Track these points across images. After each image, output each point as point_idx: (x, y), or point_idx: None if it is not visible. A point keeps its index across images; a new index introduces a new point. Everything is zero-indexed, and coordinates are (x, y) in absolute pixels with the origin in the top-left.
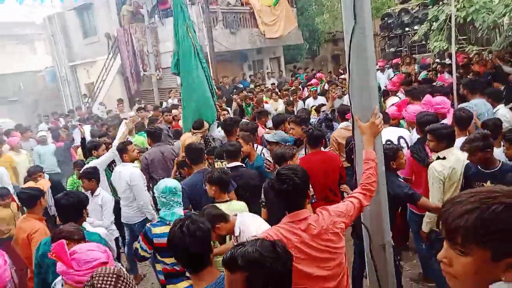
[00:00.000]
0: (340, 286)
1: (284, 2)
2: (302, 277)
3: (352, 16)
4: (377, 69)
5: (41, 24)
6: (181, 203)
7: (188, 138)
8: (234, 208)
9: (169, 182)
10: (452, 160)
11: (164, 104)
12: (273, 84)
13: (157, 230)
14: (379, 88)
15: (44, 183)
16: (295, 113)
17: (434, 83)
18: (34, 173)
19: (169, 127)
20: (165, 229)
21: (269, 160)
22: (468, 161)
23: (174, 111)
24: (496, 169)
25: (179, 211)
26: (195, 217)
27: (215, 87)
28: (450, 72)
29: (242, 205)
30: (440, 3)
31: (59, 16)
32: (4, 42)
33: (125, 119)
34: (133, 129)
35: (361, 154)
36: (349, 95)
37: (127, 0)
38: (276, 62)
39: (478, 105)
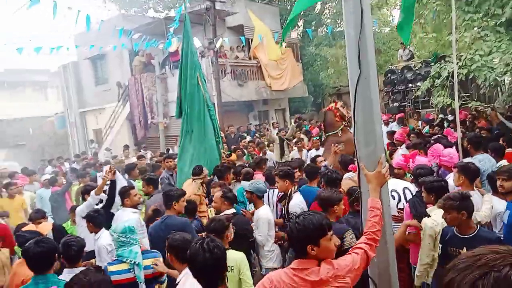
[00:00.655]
0: None
1: (290, 57)
2: None
3: (357, 65)
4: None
5: (56, 72)
6: (138, 240)
7: (188, 185)
8: (229, 257)
9: (127, 222)
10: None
11: (171, 151)
12: (277, 133)
13: (113, 268)
14: None
15: (44, 227)
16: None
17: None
18: (35, 218)
19: (171, 174)
20: (122, 266)
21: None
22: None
23: None
24: (472, 234)
25: (136, 248)
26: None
27: (222, 135)
28: (454, 128)
29: (239, 255)
30: (442, 61)
31: (74, 65)
32: (18, 88)
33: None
34: (138, 174)
35: (366, 203)
36: (354, 143)
37: (140, 51)
38: (281, 113)
39: (483, 161)
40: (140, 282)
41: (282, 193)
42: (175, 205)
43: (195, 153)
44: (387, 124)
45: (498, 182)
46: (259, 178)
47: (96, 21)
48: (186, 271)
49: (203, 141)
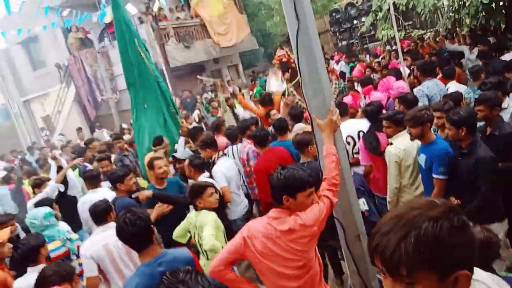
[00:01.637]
0: (305, 286)
1: (233, 10)
2: (267, 270)
3: (294, 17)
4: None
5: None
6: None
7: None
8: (201, 217)
9: (44, 209)
10: (406, 143)
11: (125, 126)
12: (234, 89)
13: (51, 246)
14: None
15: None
16: None
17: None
18: (2, 222)
19: (125, 155)
20: (56, 244)
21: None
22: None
23: (126, 136)
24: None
25: (62, 226)
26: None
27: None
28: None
29: (205, 216)
30: None
31: (5, 52)
32: None
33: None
34: (90, 157)
35: (322, 150)
36: (303, 94)
37: (73, 27)
38: (234, 69)
39: (430, 87)
40: (74, 253)
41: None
42: (120, 186)
43: (153, 127)
44: (338, 62)
45: (407, 129)
46: (221, 141)
47: (16, 2)
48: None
49: (159, 113)
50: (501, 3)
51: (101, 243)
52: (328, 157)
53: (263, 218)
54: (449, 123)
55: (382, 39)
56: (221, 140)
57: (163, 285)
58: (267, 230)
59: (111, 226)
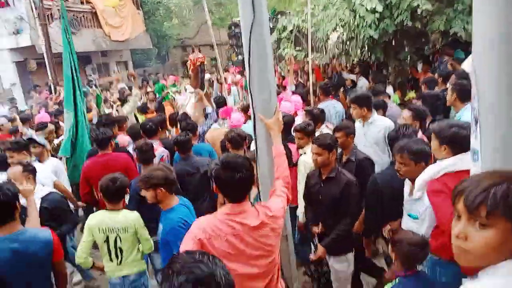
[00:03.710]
0: (270, 285)
1: (130, 4)
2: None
3: (251, 8)
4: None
5: None
6: None
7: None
8: (123, 218)
9: None
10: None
11: None
12: (122, 88)
13: None
14: None
15: None
16: None
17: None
18: None
19: None
20: None
21: None
22: None
23: None
24: None
25: None
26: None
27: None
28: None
29: (133, 215)
30: (279, 15)
31: None
32: None
33: None
34: None
35: (263, 150)
36: (249, 92)
37: None
38: (123, 65)
39: (328, 107)
40: None
41: None
42: None
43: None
44: (235, 75)
45: None
46: (125, 140)
47: None
48: None
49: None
50: (383, 39)
51: None
52: (280, 157)
53: (218, 217)
54: (322, 148)
55: (284, 56)
56: (123, 138)
57: (177, 264)
58: (231, 227)
59: None
